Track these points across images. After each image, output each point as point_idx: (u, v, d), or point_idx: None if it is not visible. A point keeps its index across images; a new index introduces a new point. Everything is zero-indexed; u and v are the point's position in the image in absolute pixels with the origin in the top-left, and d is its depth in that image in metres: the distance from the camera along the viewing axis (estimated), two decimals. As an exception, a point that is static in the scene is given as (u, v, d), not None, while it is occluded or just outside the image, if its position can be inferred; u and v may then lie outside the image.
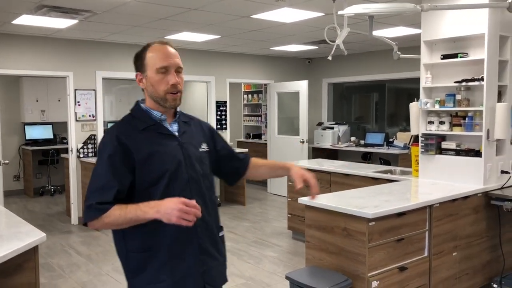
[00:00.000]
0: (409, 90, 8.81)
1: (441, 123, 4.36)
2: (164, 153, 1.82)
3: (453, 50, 4.32)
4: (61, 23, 5.43)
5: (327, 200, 3.46)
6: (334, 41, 4.26)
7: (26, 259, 2.53)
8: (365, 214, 3.08)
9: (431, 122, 4.42)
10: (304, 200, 3.53)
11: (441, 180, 4.33)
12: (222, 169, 2.13)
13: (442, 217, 3.66)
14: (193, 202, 1.65)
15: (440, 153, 4.39)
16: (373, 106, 9.37)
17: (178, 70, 1.89)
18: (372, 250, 3.13)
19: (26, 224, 2.91)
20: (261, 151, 9.69)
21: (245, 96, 10.92)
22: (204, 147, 1.99)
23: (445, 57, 4.30)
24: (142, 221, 1.70)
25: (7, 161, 5.16)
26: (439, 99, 4.36)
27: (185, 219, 1.61)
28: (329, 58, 4.31)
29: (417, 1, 4.18)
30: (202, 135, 2.02)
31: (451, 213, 3.74)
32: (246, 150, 8.20)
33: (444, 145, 4.37)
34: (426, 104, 4.39)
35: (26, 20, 5.25)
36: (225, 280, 2.02)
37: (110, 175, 1.75)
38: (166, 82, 1.83)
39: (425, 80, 4.44)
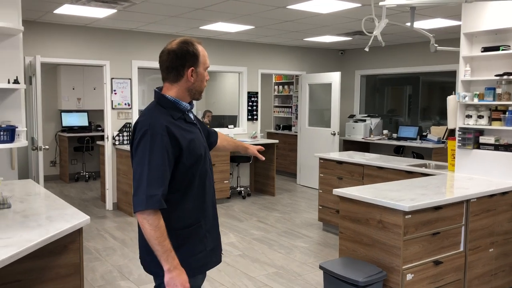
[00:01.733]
0: (443, 83, 8.65)
1: (480, 117, 4.28)
2: (197, 139, 2.05)
3: (495, 42, 4.22)
4: (100, 12, 5.55)
5: (362, 192, 3.46)
6: (371, 32, 4.22)
7: (71, 241, 2.63)
8: (402, 207, 3.07)
9: (469, 116, 4.35)
10: (338, 191, 3.54)
11: (478, 175, 4.27)
12: None
13: (479, 212, 3.61)
14: None
15: (478, 147, 4.32)
16: (406, 99, 9.24)
17: None
18: (407, 243, 3.12)
19: (70, 207, 3.02)
20: (291, 142, 9.70)
21: (276, 87, 10.92)
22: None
23: (486, 49, 4.21)
24: (159, 258, 1.85)
25: (47, 147, 5.32)
26: (477, 92, 4.28)
27: None
28: (366, 49, 4.28)
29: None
30: (197, 123, 2.22)
31: (489, 209, 3.69)
32: (277, 141, 8.23)
33: (482, 139, 4.29)
34: (464, 98, 4.31)
35: (67, 9, 5.39)
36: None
37: (166, 165, 1.89)
38: (205, 79, 2.07)
39: (464, 73, 4.36)
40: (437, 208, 3.29)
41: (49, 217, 2.71)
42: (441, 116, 8.63)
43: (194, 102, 2.19)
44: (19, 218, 2.68)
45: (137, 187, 1.86)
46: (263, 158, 2.59)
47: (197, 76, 2.01)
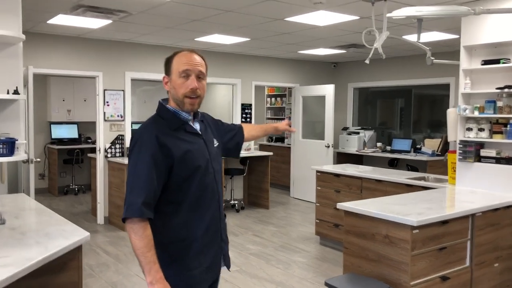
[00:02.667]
0: (435, 96, 8.69)
1: (480, 130, 4.27)
2: (196, 150, 1.97)
3: (494, 55, 4.22)
4: (95, 23, 5.45)
5: (368, 206, 3.39)
6: (371, 45, 4.20)
7: (70, 258, 2.52)
8: (410, 221, 3.01)
9: (469, 129, 4.33)
10: (343, 206, 3.47)
11: (479, 188, 4.24)
12: (228, 151, 2.38)
13: (484, 227, 3.57)
14: None
15: (479, 160, 4.29)
16: (398, 112, 9.27)
17: (200, 76, 1.98)
18: (415, 259, 3.06)
19: (67, 222, 2.91)
20: (284, 154, 9.63)
21: (268, 99, 10.89)
22: (216, 143, 2.15)
23: (486, 62, 4.21)
24: (143, 269, 1.82)
25: (38, 159, 5.18)
26: (478, 105, 4.27)
27: None
28: (367, 61, 4.25)
29: (464, 3, 4.09)
30: (212, 132, 2.18)
31: (493, 223, 3.65)
32: (271, 153, 8.17)
33: (483, 152, 4.27)
34: (465, 111, 4.29)
35: (61, 20, 5.29)
36: (229, 260, 2.23)
37: (153, 174, 1.85)
38: (186, 86, 1.93)
39: (464, 86, 4.35)
40: (443, 222, 3.24)
41: (47, 234, 2.59)
42: (432, 129, 8.66)
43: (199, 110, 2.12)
44: (15, 235, 2.56)
45: (125, 196, 1.87)
46: (295, 130, 2.62)
47: (170, 84, 1.98)
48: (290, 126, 2.61)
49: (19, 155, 2.73)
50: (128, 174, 1.90)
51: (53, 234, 2.59)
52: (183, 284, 1.95)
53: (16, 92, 2.77)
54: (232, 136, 2.37)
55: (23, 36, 2.94)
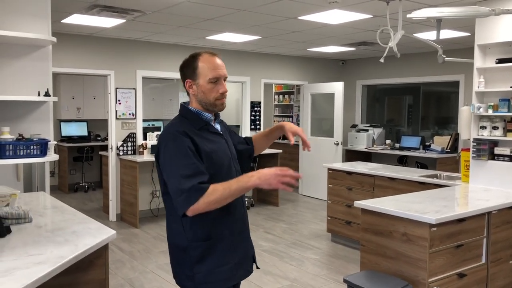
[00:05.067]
0: (444, 93, 8.70)
1: (494, 128, 4.29)
2: (220, 149, 2.06)
3: (508, 54, 4.24)
4: (109, 22, 5.49)
5: (385, 204, 3.43)
6: (384, 43, 4.23)
7: (97, 256, 2.56)
8: (428, 219, 3.05)
9: (483, 127, 4.36)
10: (361, 204, 3.51)
11: (493, 186, 4.27)
12: (239, 160, 2.33)
13: (500, 224, 3.61)
14: (287, 169, 1.83)
15: (493, 158, 4.32)
16: (406, 109, 9.28)
17: (224, 79, 2.09)
18: (432, 256, 3.10)
19: (92, 221, 2.95)
20: (292, 152, 9.67)
21: (276, 96, 10.92)
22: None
23: (500, 61, 4.23)
24: (245, 190, 1.87)
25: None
26: (492, 104, 4.29)
27: (284, 182, 1.80)
28: (381, 60, 4.28)
29: (478, 2, 4.12)
30: (228, 134, 2.25)
31: (509, 220, 3.68)
32: (281, 151, 8.20)
33: (497, 150, 4.30)
34: (479, 109, 4.32)
35: (76, 19, 5.33)
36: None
37: (198, 162, 1.91)
38: (217, 91, 2.03)
39: (478, 85, 4.37)
40: (460, 220, 3.27)
41: (74, 232, 2.64)
42: (440, 126, 8.68)
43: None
44: (43, 233, 2.61)
45: (175, 194, 1.89)
46: (293, 143, 2.21)
47: (197, 88, 2.03)
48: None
49: (51, 156, 2.78)
50: (171, 175, 1.92)
51: (80, 232, 2.64)
52: (215, 279, 2.01)
53: (47, 94, 2.82)
54: (242, 149, 2.36)
55: (54, 39, 2.98)
